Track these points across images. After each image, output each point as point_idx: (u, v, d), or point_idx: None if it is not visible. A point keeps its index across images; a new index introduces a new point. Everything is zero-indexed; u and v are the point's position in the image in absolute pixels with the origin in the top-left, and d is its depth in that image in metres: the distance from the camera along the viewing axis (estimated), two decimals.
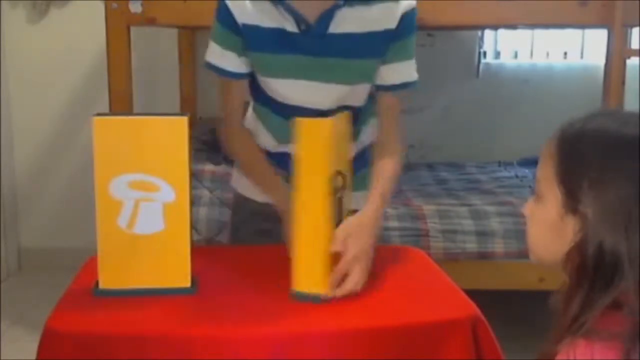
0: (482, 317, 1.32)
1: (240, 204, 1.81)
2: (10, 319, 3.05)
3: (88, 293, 1.37)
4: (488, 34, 4.07)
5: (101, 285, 1.37)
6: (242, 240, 1.79)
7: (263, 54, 1.59)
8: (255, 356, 1.23)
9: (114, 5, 2.69)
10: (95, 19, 2.99)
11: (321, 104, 1.61)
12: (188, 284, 1.39)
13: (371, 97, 1.68)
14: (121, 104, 2.54)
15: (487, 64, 4.09)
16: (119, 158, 1.34)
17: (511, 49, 4.12)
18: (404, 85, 1.63)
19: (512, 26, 3.70)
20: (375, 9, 1.54)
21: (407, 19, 1.56)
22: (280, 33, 1.55)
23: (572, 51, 4.10)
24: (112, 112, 2.08)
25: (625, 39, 3.18)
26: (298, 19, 1.53)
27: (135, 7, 2.70)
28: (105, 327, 1.25)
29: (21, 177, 3.76)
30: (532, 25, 3.65)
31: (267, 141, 1.72)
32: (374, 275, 1.46)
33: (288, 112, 1.59)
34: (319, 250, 1.37)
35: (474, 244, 2.70)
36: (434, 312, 1.34)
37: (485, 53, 4.09)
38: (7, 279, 3.59)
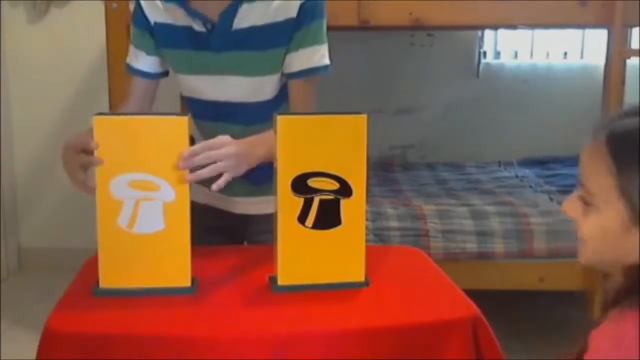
0: (482, 317, 1.32)
1: None
2: (10, 319, 3.04)
3: (88, 293, 1.37)
4: (488, 34, 4.07)
5: (101, 285, 1.37)
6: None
7: (174, 50, 1.66)
8: (255, 356, 1.23)
9: (114, 5, 2.69)
10: (95, 19, 2.99)
11: (234, 97, 1.66)
12: (188, 284, 1.39)
13: (282, 91, 1.69)
14: (121, 103, 2.53)
15: (487, 64, 4.09)
16: (119, 158, 1.34)
17: (511, 49, 4.12)
18: (311, 71, 1.63)
19: (512, 26, 3.70)
20: (275, 2, 1.59)
21: (307, 6, 1.59)
22: (190, 31, 1.62)
23: (572, 51, 4.10)
24: (112, 112, 2.07)
25: (625, 39, 3.18)
26: (203, 19, 1.60)
27: None
28: (105, 327, 1.25)
29: (21, 177, 3.75)
30: (532, 25, 3.65)
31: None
32: (374, 275, 1.46)
33: (206, 111, 1.68)
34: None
35: (474, 244, 2.69)
36: (434, 312, 1.34)
37: (485, 53, 4.09)
38: (7, 279, 3.59)
